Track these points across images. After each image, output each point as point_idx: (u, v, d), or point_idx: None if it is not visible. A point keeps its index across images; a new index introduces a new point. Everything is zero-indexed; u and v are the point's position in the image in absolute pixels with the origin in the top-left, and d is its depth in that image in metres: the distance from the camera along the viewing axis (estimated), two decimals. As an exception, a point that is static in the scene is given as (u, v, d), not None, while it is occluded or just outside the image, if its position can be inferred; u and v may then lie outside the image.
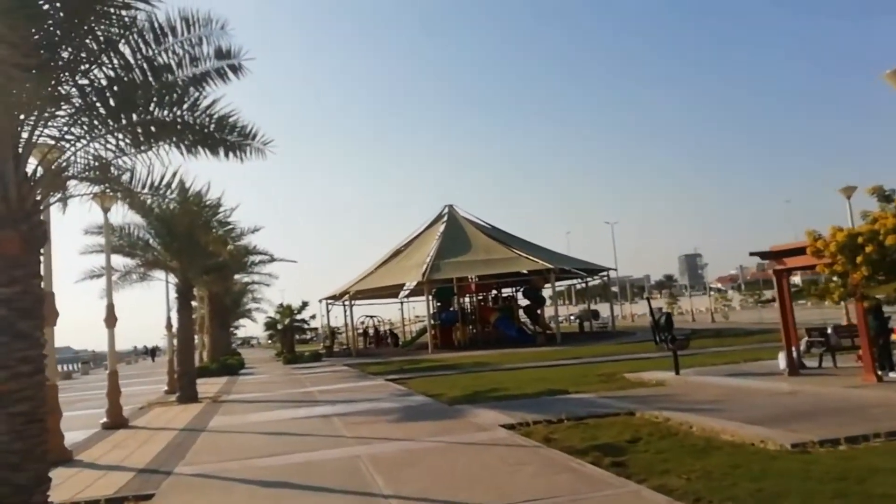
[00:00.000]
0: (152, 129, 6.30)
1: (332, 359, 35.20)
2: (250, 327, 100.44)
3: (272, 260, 20.33)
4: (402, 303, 52.06)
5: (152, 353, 61.72)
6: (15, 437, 5.59)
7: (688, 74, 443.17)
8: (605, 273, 40.45)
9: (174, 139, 6.43)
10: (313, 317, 45.90)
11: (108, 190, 7.55)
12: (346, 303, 43.48)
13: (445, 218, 39.85)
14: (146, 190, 7.26)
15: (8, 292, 5.67)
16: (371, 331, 49.27)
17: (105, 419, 12.54)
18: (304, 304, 42.48)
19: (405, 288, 46.03)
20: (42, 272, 6.10)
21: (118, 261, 17.61)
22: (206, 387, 19.70)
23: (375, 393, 15.46)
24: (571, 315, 60.56)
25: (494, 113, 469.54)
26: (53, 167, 6.38)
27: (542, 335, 33.16)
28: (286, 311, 43.43)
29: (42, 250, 6.07)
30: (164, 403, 16.72)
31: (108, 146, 6.34)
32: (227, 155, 6.76)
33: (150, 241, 17.25)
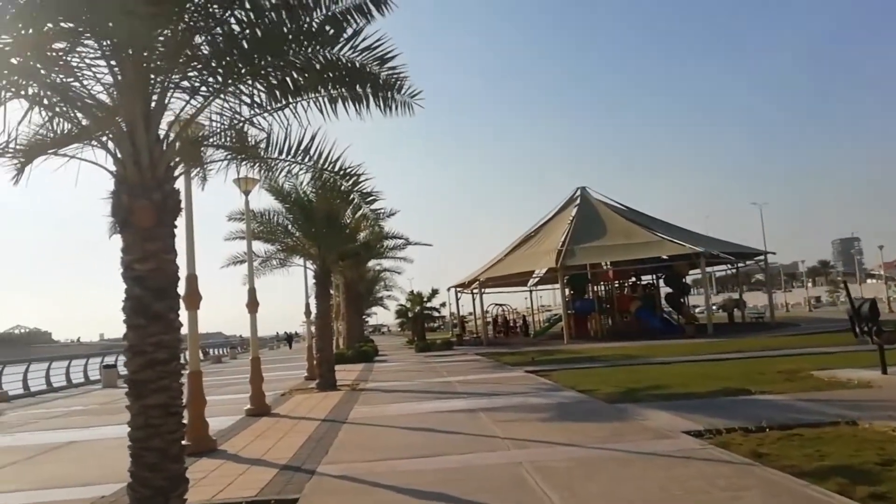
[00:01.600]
0: (290, 77, 5.49)
1: (463, 347, 34.59)
2: (380, 315, 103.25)
3: (407, 244, 19.72)
4: (530, 291, 50.70)
5: (289, 339, 64.43)
6: (151, 432, 4.96)
7: (846, 52, 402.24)
8: (759, 258, 36.63)
9: (314, 89, 5.61)
10: (443, 304, 45.86)
11: (242, 159, 6.87)
12: (475, 291, 42.80)
13: (578, 201, 37.87)
14: (283, 155, 6.53)
15: (141, 269, 5.04)
16: (500, 319, 48.27)
17: (249, 406, 12.34)
18: (434, 292, 42.26)
19: (535, 275, 44.64)
20: (176, 249, 5.46)
21: (259, 247, 17.75)
22: (344, 374, 19.51)
23: (518, 386, 14.31)
24: (713, 304, 56.25)
25: (623, 96, 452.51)
26: (186, 130, 5.74)
27: (691, 326, 30.47)
28: (416, 298, 43.50)
29: (176, 224, 5.42)
30: (304, 390, 16.58)
31: (243, 99, 5.61)
32: (376, 98, 5.87)
33: (289, 226, 17.17)
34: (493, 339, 39.55)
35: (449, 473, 6.57)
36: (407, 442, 8.60)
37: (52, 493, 7.01)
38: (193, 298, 9.11)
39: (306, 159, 6.71)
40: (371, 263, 33.86)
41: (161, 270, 5.13)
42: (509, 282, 42.98)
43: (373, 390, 15.52)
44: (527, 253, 36.68)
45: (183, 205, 9.28)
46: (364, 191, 7.17)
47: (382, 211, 17.72)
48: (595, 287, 36.78)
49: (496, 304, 47.12)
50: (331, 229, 17.33)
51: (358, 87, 5.72)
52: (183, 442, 5.22)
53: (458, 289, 43.45)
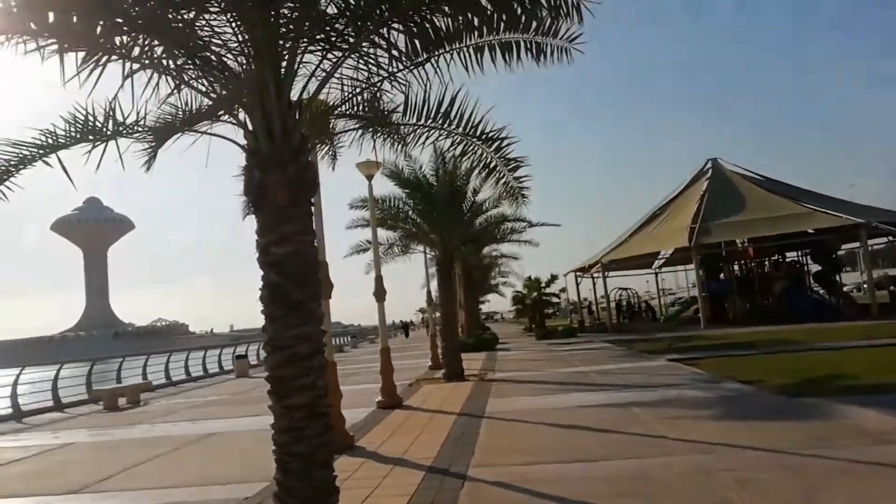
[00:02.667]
0: (435, 23, 4.69)
1: (586, 334, 33.11)
2: (493, 302, 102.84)
3: (530, 225, 18.68)
4: (655, 273, 48.03)
5: (406, 328, 65.24)
6: (296, 436, 4.33)
7: None
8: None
9: (461, 38, 4.79)
10: (563, 290, 44.42)
11: (374, 130, 6.18)
12: (595, 275, 41.02)
13: (709, 173, 35.02)
14: (422, 120, 5.76)
15: (278, 253, 4.40)
16: (625, 304, 46.03)
17: (380, 398, 11.89)
18: (554, 278, 40.94)
19: (660, 257, 42.14)
20: (314, 230, 4.81)
21: (380, 235, 17.39)
22: (468, 363, 18.81)
23: (666, 377, 12.95)
24: (863, 283, 50.78)
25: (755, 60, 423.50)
26: (317, 95, 5.07)
27: (850, 307, 27.20)
28: (534, 284, 42.34)
29: (313, 202, 4.77)
30: (431, 380, 16.06)
31: (379, 55, 4.88)
32: (528, 46, 4.96)
33: (409, 212, 16.68)
34: (617, 326, 37.65)
35: (626, 483, 5.58)
36: (560, 441, 7.68)
37: (196, 491, 6.70)
38: (326, 287, 8.65)
39: (446, 124, 5.90)
40: (486, 250, 33.06)
41: (299, 254, 4.48)
42: (632, 264, 40.83)
43: (503, 381, 14.70)
44: (653, 233, 34.47)
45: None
46: (508, 156, 6.27)
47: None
48: (731, 266, 33.95)
49: (619, 289, 44.98)
50: (452, 213, 16.68)
51: (521, 31, 4.83)
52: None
53: (578, 273, 41.80)
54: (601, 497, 5.22)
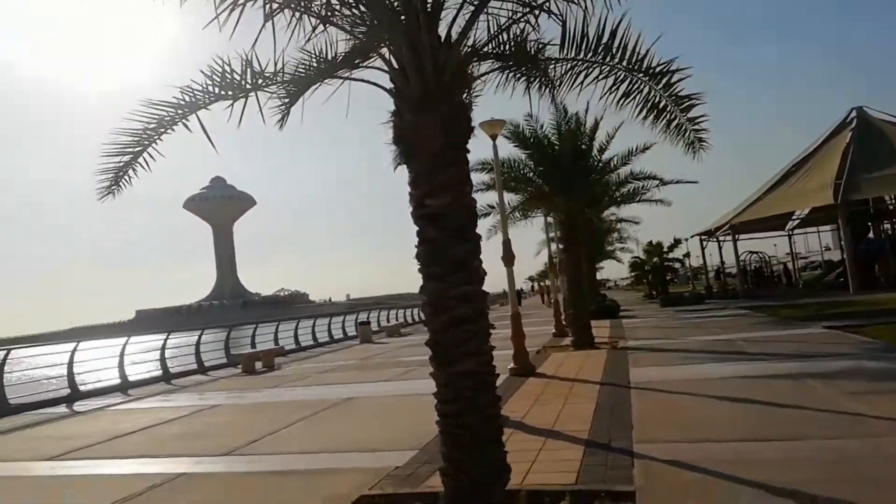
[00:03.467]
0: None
1: (715, 301, 31.12)
2: (606, 269, 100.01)
3: (662, 184, 17.30)
4: (788, 235, 44.37)
5: (518, 295, 64.74)
6: (464, 406, 3.91)
7: None
8: None
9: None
10: (686, 255, 42.14)
11: (521, 72, 5.57)
12: (721, 238, 38.46)
13: (853, 124, 31.46)
14: (580, 54, 5.07)
15: (435, 205, 3.94)
16: (753, 268, 42.92)
17: (512, 364, 11.45)
18: (677, 242, 38.96)
19: (793, 217, 38.81)
20: (471, 180, 4.32)
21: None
22: (594, 330, 18.03)
23: (830, 346, 11.60)
24: None
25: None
26: (470, 28, 4.53)
27: None
28: (656, 249, 40.46)
29: (468, 148, 4.27)
30: (558, 348, 15.47)
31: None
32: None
33: (531, 174, 15.96)
34: (748, 292, 35.11)
35: (833, 468, 4.77)
36: (731, 416, 6.87)
37: (345, 457, 6.55)
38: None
39: (607, 58, 5.18)
40: (604, 213, 31.61)
41: (458, 205, 4.02)
42: (762, 226, 37.81)
43: (639, 349, 13.83)
44: (788, 191, 31.53)
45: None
46: (679, 94, 5.44)
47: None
48: (881, 226, 30.57)
49: (749, 252, 41.91)
50: (577, 173, 15.79)
51: None
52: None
53: (703, 237, 39.30)
54: (811, 484, 4.45)
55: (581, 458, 5.64)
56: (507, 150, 16.04)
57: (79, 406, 12.65)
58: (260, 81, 4.73)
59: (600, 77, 5.18)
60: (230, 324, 22.35)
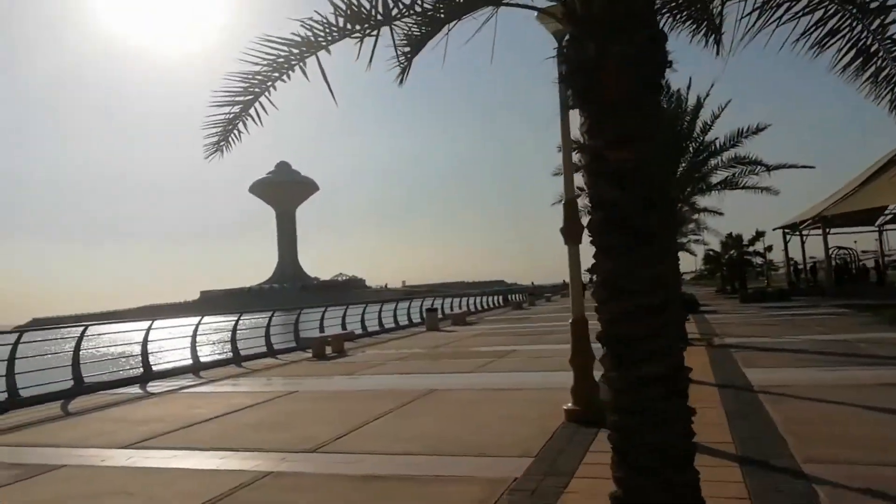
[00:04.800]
0: None
1: (801, 298, 29.14)
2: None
3: (767, 170, 15.68)
4: (879, 230, 41.39)
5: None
6: (647, 420, 3.02)
7: None
8: None
9: None
10: (769, 248, 39.88)
11: (682, 11, 4.57)
12: (806, 233, 36.16)
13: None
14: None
15: (621, 159, 3.05)
16: (836, 264, 40.17)
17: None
18: (759, 235, 36.86)
19: (887, 212, 36.11)
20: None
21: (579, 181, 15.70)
22: (682, 325, 16.83)
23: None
24: None
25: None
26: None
27: None
28: (734, 241, 38.42)
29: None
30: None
31: None
32: None
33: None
34: (838, 290, 32.76)
35: None
36: (906, 434, 5.76)
37: (448, 462, 5.76)
38: (576, 228, 7.27)
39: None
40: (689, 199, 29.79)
41: (649, 161, 3.11)
42: (850, 221, 35.24)
43: (741, 347, 12.58)
44: (883, 184, 29.09)
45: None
46: (894, 38, 4.34)
47: (747, 128, 14.34)
48: None
49: (838, 248, 39.24)
50: (675, 157, 14.53)
51: None
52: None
53: (787, 230, 36.96)
54: None
55: (743, 480, 4.67)
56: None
57: (152, 387, 12.37)
58: (395, 12, 3.91)
59: (804, 11, 4.13)
60: (298, 307, 22.05)
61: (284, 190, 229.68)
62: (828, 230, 32.72)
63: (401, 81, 5.16)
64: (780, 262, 51.80)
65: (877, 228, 40.63)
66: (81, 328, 12.94)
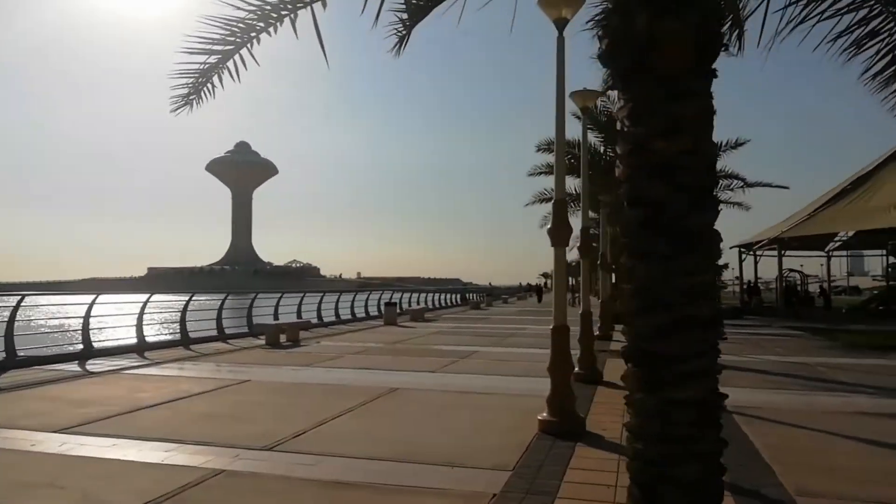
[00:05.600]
0: None
1: (753, 317, 29.73)
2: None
3: (745, 185, 15.71)
4: (827, 256, 42.71)
5: (539, 291, 63.14)
6: (678, 451, 2.65)
7: None
8: None
9: None
10: (725, 266, 40.59)
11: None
12: (759, 254, 36.99)
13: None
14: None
15: (670, 150, 2.67)
16: (785, 286, 41.21)
17: (577, 369, 10.16)
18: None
19: (836, 238, 37.35)
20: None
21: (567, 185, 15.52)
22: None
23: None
24: None
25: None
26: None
27: None
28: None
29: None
30: (610, 353, 14.17)
31: None
32: None
33: (603, 161, 14.61)
34: (787, 311, 33.55)
35: None
36: (890, 467, 5.59)
37: (418, 470, 5.31)
38: (564, 232, 6.93)
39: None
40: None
41: (701, 154, 2.74)
42: (801, 244, 36.22)
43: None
44: (848, 208, 29.87)
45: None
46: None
47: (727, 142, 14.32)
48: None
49: (790, 270, 40.21)
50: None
51: None
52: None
53: (743, 249, 37.71)
54: None
55: (737, 511, 4.38)
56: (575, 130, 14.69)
57: (92, 365, 11.56)
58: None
59: (849, 8, 3.84)
60: (250, 291, 21.23)
61: (243, 171, 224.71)
62: (783, 252, 33.47)
63: (398, 52, 4.73)
64: (729, 280, 53.02)
65: (825, 254, 41.89)
66: (18, 297, 12.00)
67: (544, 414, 6.67)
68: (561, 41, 6.96)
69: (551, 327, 7.04)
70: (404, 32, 4.61)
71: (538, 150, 14.86)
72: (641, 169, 2.76)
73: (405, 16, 4.54)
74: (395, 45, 4.66)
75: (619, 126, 2.88)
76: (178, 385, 9.47)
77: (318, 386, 9.78)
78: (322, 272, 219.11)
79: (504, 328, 22.27)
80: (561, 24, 6.91)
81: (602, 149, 14.54)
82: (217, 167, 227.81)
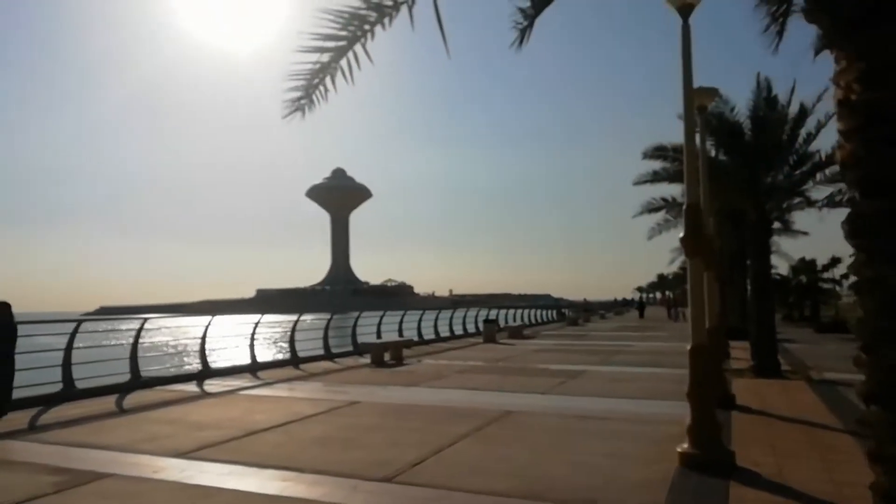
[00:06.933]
0: None
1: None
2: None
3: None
4: None
5: (641, 306, 59.18)
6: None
7: None
8: None
9: None
10: (846, 276, 37.47)
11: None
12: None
13: None
14: None
15: None
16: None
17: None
18: (835, 261, 34.73)
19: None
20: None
21: (666, 191, 14.66)
22: (741, 351, 15.37)
23: None
24: None
25: None
26: None
27: None
28: (807, 266, 36.34)
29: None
30: (733, 372, 13.00)
31: None
32: None
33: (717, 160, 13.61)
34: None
35: None
36: None
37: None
38: (697, 239, 6.27)
39: None
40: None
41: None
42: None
43: (846, 385, 11.18)
44: None
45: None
46: None
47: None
48: None
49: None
50: (774, 167, 13.29)
51: None
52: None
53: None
54: None
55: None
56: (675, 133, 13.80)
57: (209, 385, 11.84)
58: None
59: None
60: (349, 309, 21.45)
61: (339, 195, 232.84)
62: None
63: (520, 44, 4.33)
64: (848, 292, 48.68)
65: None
66: (140, 321, 12.53)
67: (685, 445, 5.99)
68: (686, 30, 6.36)
69: (689, 347, 6.34)
70: (525, 24, 4.21)
71: (644, 158, 14.03)
72: (883, 144, 2.18)
73: (527, 5, 4.15)
74: (516, 38, 4.29)
75: (840, 95, 2.33)
76: (290, 407, 9.44)
77: (428, 408, 9.46)
78: (415, 290, 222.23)
79: (608, 345, 21.31)
80: (686, 10, 6.32)
81: (714, 153, 13.56)
82: (316, 193, 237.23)
